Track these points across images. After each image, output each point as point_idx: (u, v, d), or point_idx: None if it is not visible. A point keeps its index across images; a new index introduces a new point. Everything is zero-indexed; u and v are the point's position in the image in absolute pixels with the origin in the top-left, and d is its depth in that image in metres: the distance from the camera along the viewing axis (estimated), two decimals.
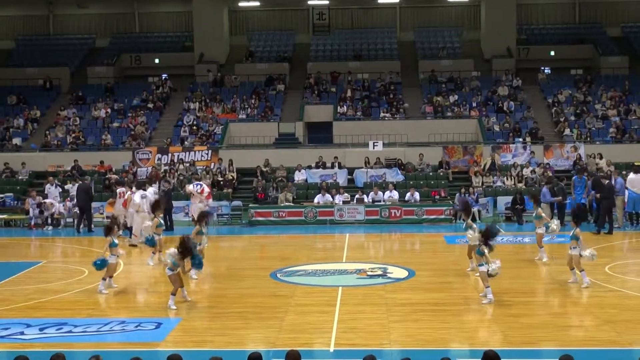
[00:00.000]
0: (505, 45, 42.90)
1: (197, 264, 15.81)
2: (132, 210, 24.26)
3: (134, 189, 25.10)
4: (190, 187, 26.53)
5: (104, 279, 16.65)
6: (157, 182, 30.72)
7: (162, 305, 15.61)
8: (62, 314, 14.91)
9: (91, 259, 18.22)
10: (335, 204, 28.36)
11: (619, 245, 23.38)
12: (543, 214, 20.06)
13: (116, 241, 16.56)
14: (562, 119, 36.22)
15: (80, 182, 28.43)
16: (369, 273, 18.69)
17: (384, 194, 28.97)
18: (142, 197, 24.36)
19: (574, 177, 27.74)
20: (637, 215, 26.48)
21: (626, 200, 26.18)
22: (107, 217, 25.98)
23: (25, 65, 43.62)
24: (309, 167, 32.72)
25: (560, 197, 26.06)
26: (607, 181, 26.35)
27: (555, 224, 19.35)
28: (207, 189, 26.52)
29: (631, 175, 26.50)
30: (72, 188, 28.86)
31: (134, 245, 23.62)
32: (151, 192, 25.12)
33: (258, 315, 14.72)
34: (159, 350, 12.26)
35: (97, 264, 16.42)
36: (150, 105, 39.51)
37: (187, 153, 33.78)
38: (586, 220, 17.05)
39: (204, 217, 18.38)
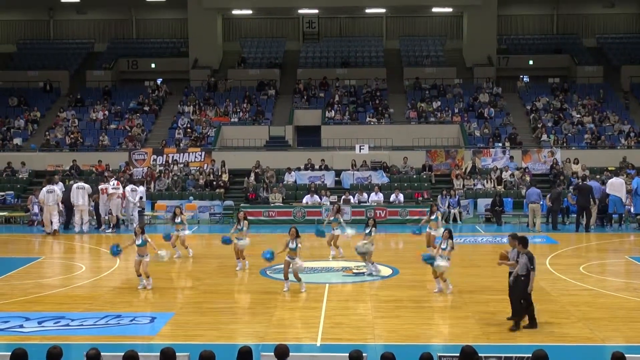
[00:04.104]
0: (486, 54, 43.24)
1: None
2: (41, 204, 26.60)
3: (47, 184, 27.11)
4: (109, 187, 27.34)
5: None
6: (153, 182, 32.29)
7: (156, 300, 16.06)
8: (60, 308, 15.13)
9: (87, 255, 19.08)
10: (323, 204, 28.91)
11: (593, 245, 23.96)
12: (439, 219, 20.93)
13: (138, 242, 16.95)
14: (539, 125, 36.81)
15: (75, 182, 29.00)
16: (355, 271, 18.93)
17: (368, 196, 29.57)
18: (49, 192, 26.32)
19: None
20: (620, 216, 27.53)
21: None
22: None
23: (26, 68, 43.77)
24: (298, 169, 33.13)
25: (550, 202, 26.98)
26: (581, 182, 27.55)
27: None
28: (122, 187, 27.49)
29: (612, 180, 27.56)
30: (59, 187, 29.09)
31: (48, 234, 25.80)
32: (60, 187, 27.26)
33: (248, 310, 15.17)
34: (153, 344, 12.40)
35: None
36: (146, 108, 39.75)
37: (182, 154, 34.32)
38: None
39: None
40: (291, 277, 16.94)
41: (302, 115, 38.78)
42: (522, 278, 13.36)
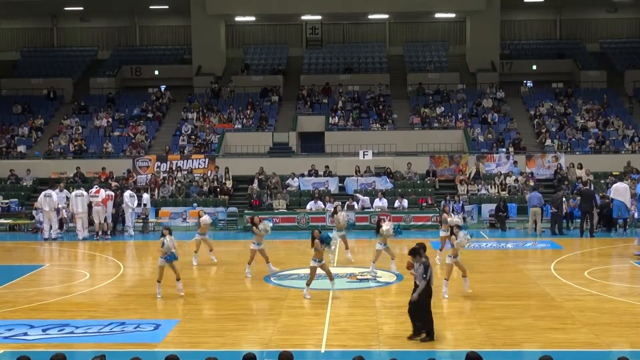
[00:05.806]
0: (489, 60, 43.31)
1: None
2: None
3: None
4: (89, 195, 27.42)
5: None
6: (157, 189, 32.29)
7: (161, 307, 16.08)
8: (64, 315, 15.17)
9: (90, 263, 18.91)
10: (327, 210, 28.74)
11: (598, 250, 23.93)
12: (449, 219, 20.78)
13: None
14: (543, 130, 36.84)
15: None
16: (359, 277, 18.94)
17: (372, 202, 29.50)
18: (45, 196, 26.60)
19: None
20: (624, 221, 27.57)
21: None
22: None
23: (30, 76, 44.02)
24: (302, 175, 33.19)
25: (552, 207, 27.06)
26: (584, 187, 27.71)
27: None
28: (103, 192, 27.36)
29: (616, 184, 27.53)
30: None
31: (46, 239, 26.23)
32: (65, 193, 27.61)
33: (252, 317, 15.21)
34: (157, 351, 12.47)
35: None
36: (150, 115, 39.85)
37: (185, 161, 34.36)
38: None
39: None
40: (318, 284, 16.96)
41: (306, 122, 38.86)
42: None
